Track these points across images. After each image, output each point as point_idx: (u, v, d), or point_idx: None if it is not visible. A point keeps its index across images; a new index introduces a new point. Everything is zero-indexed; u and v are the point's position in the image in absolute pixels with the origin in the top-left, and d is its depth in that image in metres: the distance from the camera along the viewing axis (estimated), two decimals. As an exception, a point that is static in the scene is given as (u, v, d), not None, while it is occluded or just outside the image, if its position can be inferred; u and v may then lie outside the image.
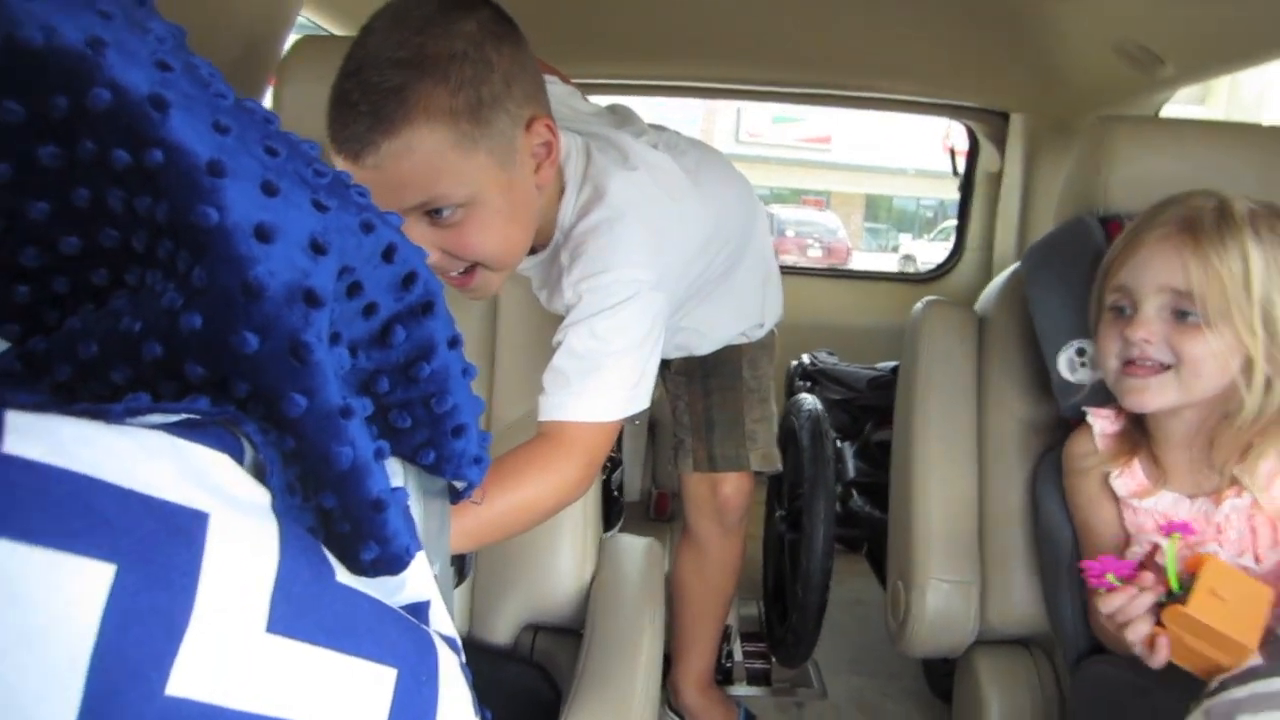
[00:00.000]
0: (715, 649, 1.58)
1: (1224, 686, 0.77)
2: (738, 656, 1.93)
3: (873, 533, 1.86)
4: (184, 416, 0.37)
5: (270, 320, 0.36)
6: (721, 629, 1.58)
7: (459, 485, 0.60)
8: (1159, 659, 0.84)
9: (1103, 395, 1.10)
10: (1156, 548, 0.98)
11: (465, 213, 0.85)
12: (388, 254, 0.43)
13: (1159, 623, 0.85)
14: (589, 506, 1.14)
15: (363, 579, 0.43)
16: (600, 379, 0.91)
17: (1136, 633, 0.85)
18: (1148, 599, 0.85)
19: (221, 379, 0.38)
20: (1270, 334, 0.92)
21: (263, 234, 0.36)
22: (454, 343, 0.49)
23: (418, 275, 0.45)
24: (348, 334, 0.44)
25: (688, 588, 1.52)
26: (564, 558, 1.12)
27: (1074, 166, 1.28)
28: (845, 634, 2.08)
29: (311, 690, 0.35)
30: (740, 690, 1.85)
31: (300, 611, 0.35)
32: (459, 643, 0.51)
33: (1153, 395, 0.96)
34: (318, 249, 0.38)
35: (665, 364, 1.51)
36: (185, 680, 0.30)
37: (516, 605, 1.11)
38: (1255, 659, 0.79)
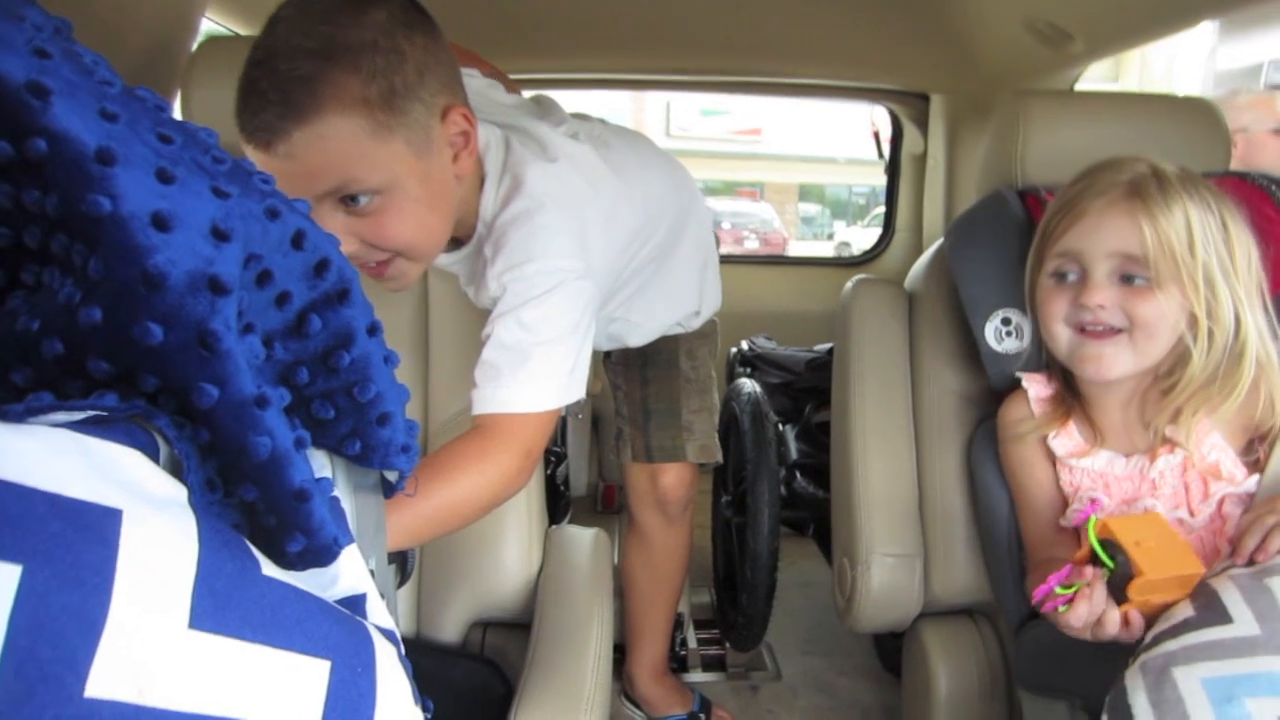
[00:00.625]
0: (667, 637, 1.59)
1: (1158, 641, 0.79)
2: (692, 644, 1.94)
3: (818, 513, 1.88)
4: (91, 414, 0.36)
5: (174, 310, 0.35)
6: (673, 617, 1.59)
7: (391, 477, 0.59)
8: (1137, 631, 0.84)
9: (1031, 363, 1.13)
10: (1096, 503, 1.01)
11: (382, 200, 0.84)
12: (297, 240, 0.42)
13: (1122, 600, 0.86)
14: (533, 500, 1.13)
15: (292, 573, 0.42)
16: (530, 369, 0.91)
17: (1109, 627, 0.85)
18: (1100, 595, 0.85)
19: (128, 373, 0.37)
20: (1211, 291, 0.95)
21: (160, 222, 0.35)
22: (373, 330, 0.48)
23: (330, 262, 0.45)
24: (262, 325, 0.43)
25: (636, 578, 1.53)
26: (509, 552, 1.11)
27: (991, 142, 1.31)
28: (796, 616, 2.10)
29: (240, 686, 0.34)
30: (696, 677, 1.86)
31: (224, 606, 0.34)
32: (397, 635, 0.50)
33: (1110, 363, 0.98)
34: (220, 236, 0.37)
35: (606, 354, 1.51)
36: (104, 681, 0.29)
37: (463, 602, 1.10)
38: (1188, 610, 0.80)
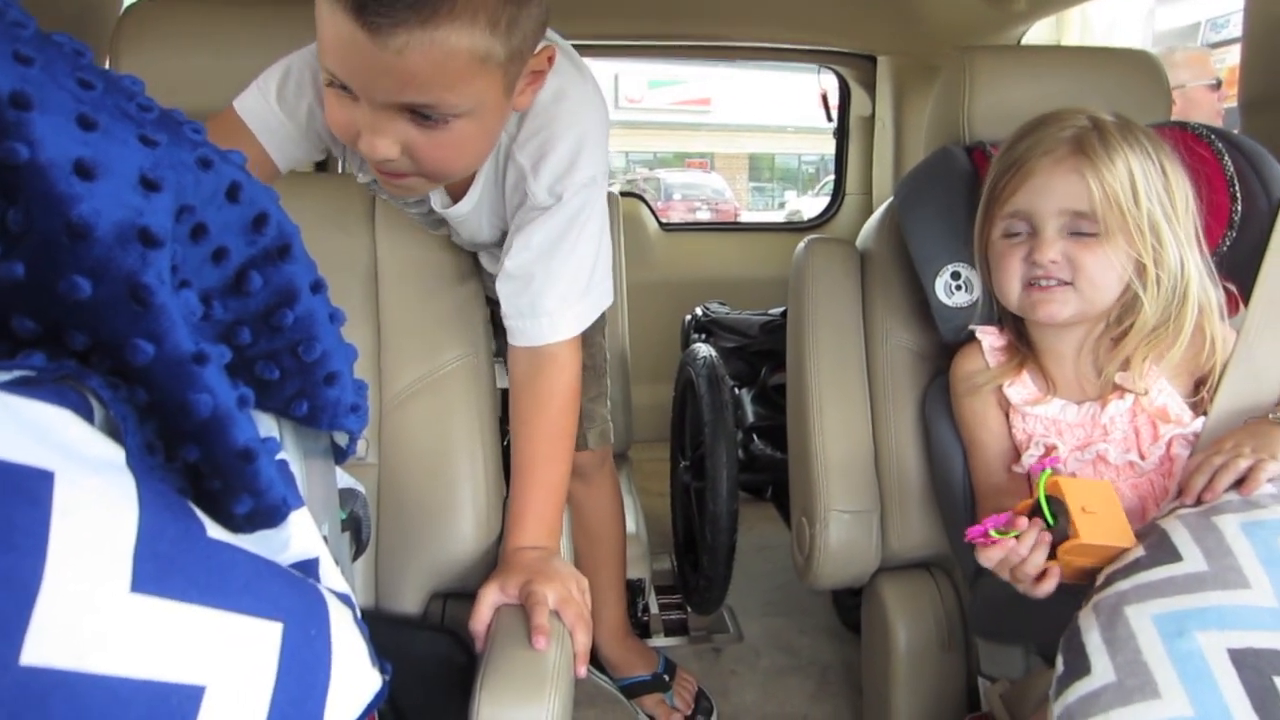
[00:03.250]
0: (622, 598, 1.59)
1: (1110, 581, 0.81)
2: (654, 609, 1.95)
3: (776, 475, 1.89)
4: (17, 374, 0.34)
5: (102, 263, 0.34)
6: (623, 580, 1.58)
7: (341, 441, 0.58)
8: (1045, 589, 0.87)
9: (981, 316, 1.14)
10: (1051, 449, 1.03)
11: (455, 124, 0.81)
12: (232, 193, 0.41)
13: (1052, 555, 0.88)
14: (489, 468, 1.12)
15: (242, 536, 0.41)
16: (597, 278, 0.99)
17: (1028, 573, 0.87)
18: (1029, 541, 0.87)
19: (56, 331, 0.35)
20: (1156, 237, 0.97)
21: (84, 170, 0.33)
22: (317, 286, 0.47)
23: (269, 216, 0.43)
24: (199, 282, 0.42)
25: (575, 547, 1.52)
26: (466, 522, 1.10)
27: (938, 98, 1.32)
28: (757, 578, 2.12)
29: (188, 649, 0.33)
30: (658, 642, 1.87)
31: (168, 569, 0.33)
32: (353, 598, 0.50)
33: (1060, 306, 0.99)
34: (149, 185, 0.35)
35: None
36: (42, 648, 0.28)
37: (422, 573, 1.09)
38: (1139, 551, 0.82)
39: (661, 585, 2.06)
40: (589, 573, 1.52)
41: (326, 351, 0.48)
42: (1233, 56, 1.50)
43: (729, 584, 1.76)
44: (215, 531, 0.37)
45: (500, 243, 1.05)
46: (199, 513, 0.37)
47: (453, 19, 0.73)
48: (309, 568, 0.46)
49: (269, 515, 0.41)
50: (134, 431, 0.37)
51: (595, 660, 1.65)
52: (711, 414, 1.71)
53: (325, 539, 0.54)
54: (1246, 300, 1.05)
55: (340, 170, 1.28)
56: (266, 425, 0.48)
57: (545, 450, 1.00)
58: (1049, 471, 0.91)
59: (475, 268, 1.20)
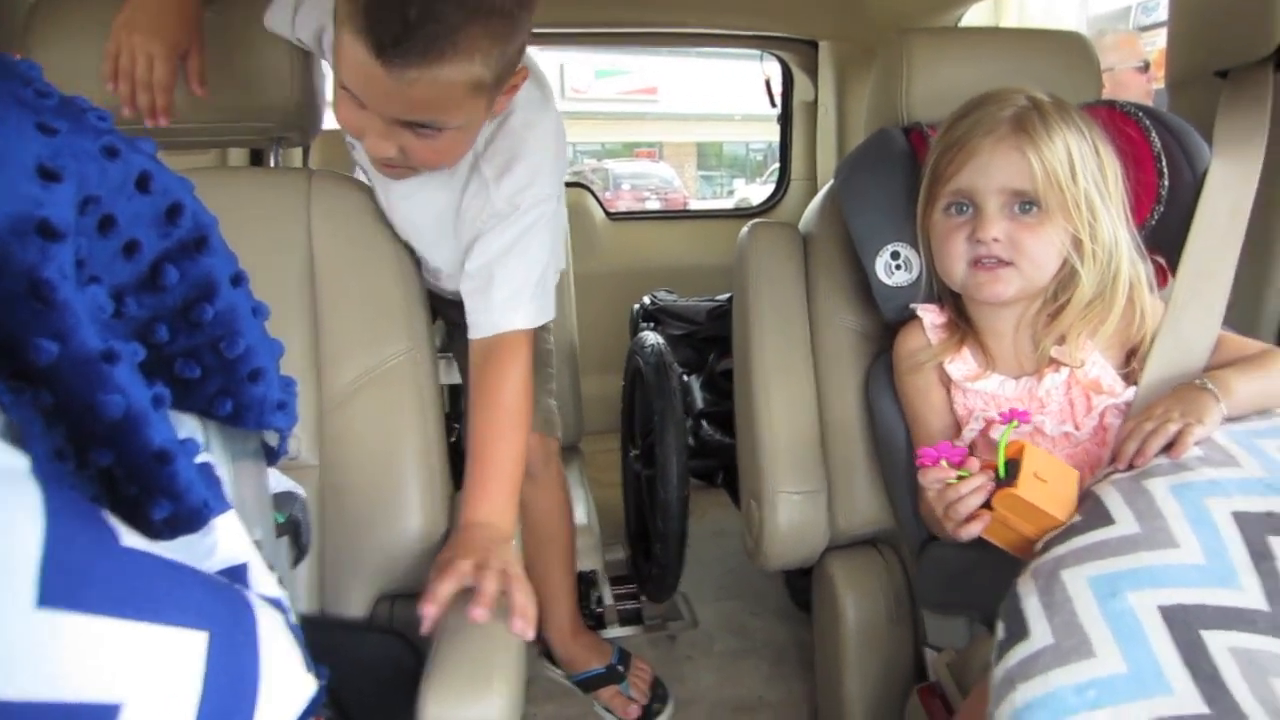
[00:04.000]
0: (573, 594, 1.58)
1: (1047, 547, 0.82)
2: (608, 600, 1.95)
3: (726, 460, 1.90)
4: (-92, 379, 0.33)
5: (-1, 257, 0.32)
6: (572, 577, 1.58)
7: (271, 441, 0.57)
8: (968, 532, 0.89)
9: (920, 295, 1.15)
10: (990, 424, 1.04)
11: (444, 134, 0.96)
12: (142, 183, 0.39)
13: (986, 505, 0.90)
14: (435, 466, 1.11)
15: (163, 544, 0.39)
16: (545, 284, 1.12)
17: (960, 511, 0.89)
18: (972, 485, 0.90)
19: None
20: (1092, 214, 0.99)
21: (-26, 161, 0.32)
22: (238, 280, 0.45)
23: (183, 206, 0.42)
24: (110, 278, 0.40)
25: (523, 545, 1.51)
26: (413, 522, 1.08)
27: (876, 81, 1.33)
28: (710, 564, 2.14)
29: (105, 666, 0.32)
30: (613, 632, 1.87)
31: (79, 582, 0.32)
32: (285, 602, 0.48)
33: (1004, 284, 1.01)
34: (48, 175, 0.34)
35: (447, 346, 1.51)
36: (-61, 671, 0.27)
37: (368, 575, 1.08)
38: (1074, 517, 0.84)
39: (616, 575, 2.07)
40: (539, 574, 1.53)
41: (250, 347, 0.46)
42: (1162, 39, 1.53)
43: (682, 571, 1.76)
44: (131, 539, 0.36)
45: (432, 229, 1.16)
46: (113, 520, 0.36)
47: (455, 59, 0.87)
48: (238, 573, 0.45)
49: (190, 520, 0.40)
50: (39, 437, 0.36)
51: (550, 657, 1.64)
52: (660, 401, 1.71)
53: (258, 543, 0.53)
54: (1174, 272, 1.08)
55: (274, 163, 1.25)
56: (188, 426, 0.47)
57: (497, 430, 1.06)
58: (1015, 424, 0.93)
59: (416, 263, 1.18)
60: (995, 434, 0.99)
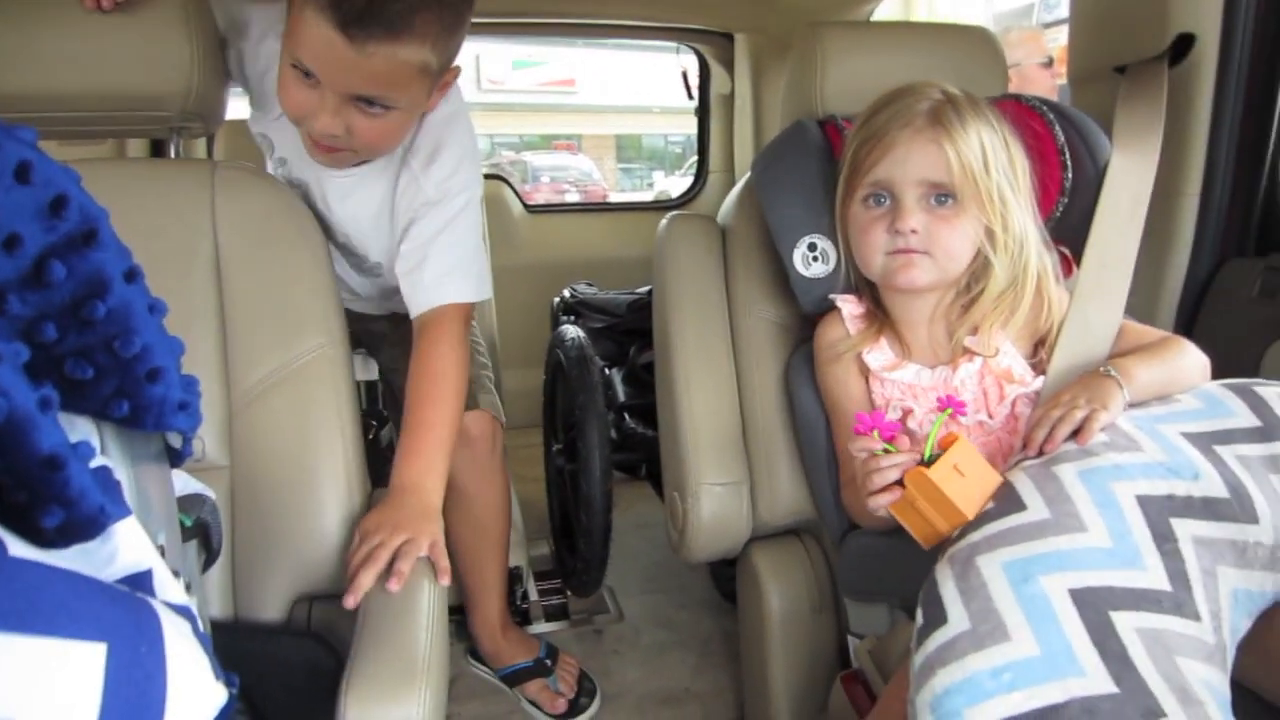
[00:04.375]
0: (502, 592, 1.57)
1: (963, 534, 0.84)
2: (533, 596, 1.94)
3: (649, 453, 1.91)
4: None
5: None
6: (505, 571, 1.57)
7: (175, 443, 0.54)
8: (878, 502, 0.90)
9: (837, 286, 1.16)
10: (908, 413, 1.06)
11: (389, 114, 1.05)
12: (21, 173, 0.37)
13: (900, 483, 0.91)
14: (352, 463, 1.08)
15: (57, 553, 0.37)
16: (481, 263, 1.21)
17: (875, 481, 0.90)
18: (900, 458, 0.90)
19: None
20: (1004, 205, 1.02)
21: None
22: (132, 275, 0.43)
23: (69, 198, 0.39)
24: (-11, 275, 0.38)
25: (460, 538, 1.49)
26: (330, 521, 1.05)
27: (791, 74, 1.34)
28: (635, 558, 2.14)
29: None
30: (540, 628, 1.86)
31: None
32: (193, 609, 0.46)
33: (920, 273, 1.03)
34: (-86, 165, 0.31)
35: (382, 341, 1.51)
36: None
37: (284, 577, 1.05)
38: (988, 504, 0.86)
39: (540, 571, 2.05)
40: (472, 567, 1.51)
41: (147, 346, 0.44)
42: (1064, 36, 1.59)
43: (607, 564, 1.76)
44: (19, 549, 0.34)
45: (371, 223, 1.25)
46: (0, 532, 0.34)
47: (410, 39, 0.99)
48: (141, 581, 0.43)
49: (85, 527, 0.38)
50: (-85, 444, 0.33)
51: (475, 654, 1.63)
52: (582, 395, 1.70)
53: (162, 549, 0.51)
54: (1079, 263, 1.11)
55: (174, 154, 1.20)
56: (81, 429, 0.44)
57: (430, 394, 1.13)
58: (950, 410, 0.95)
59: (328, 256, 1.15)
60: (928, 423, 1.01)
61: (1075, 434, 0.88)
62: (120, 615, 0.37)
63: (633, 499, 2.26)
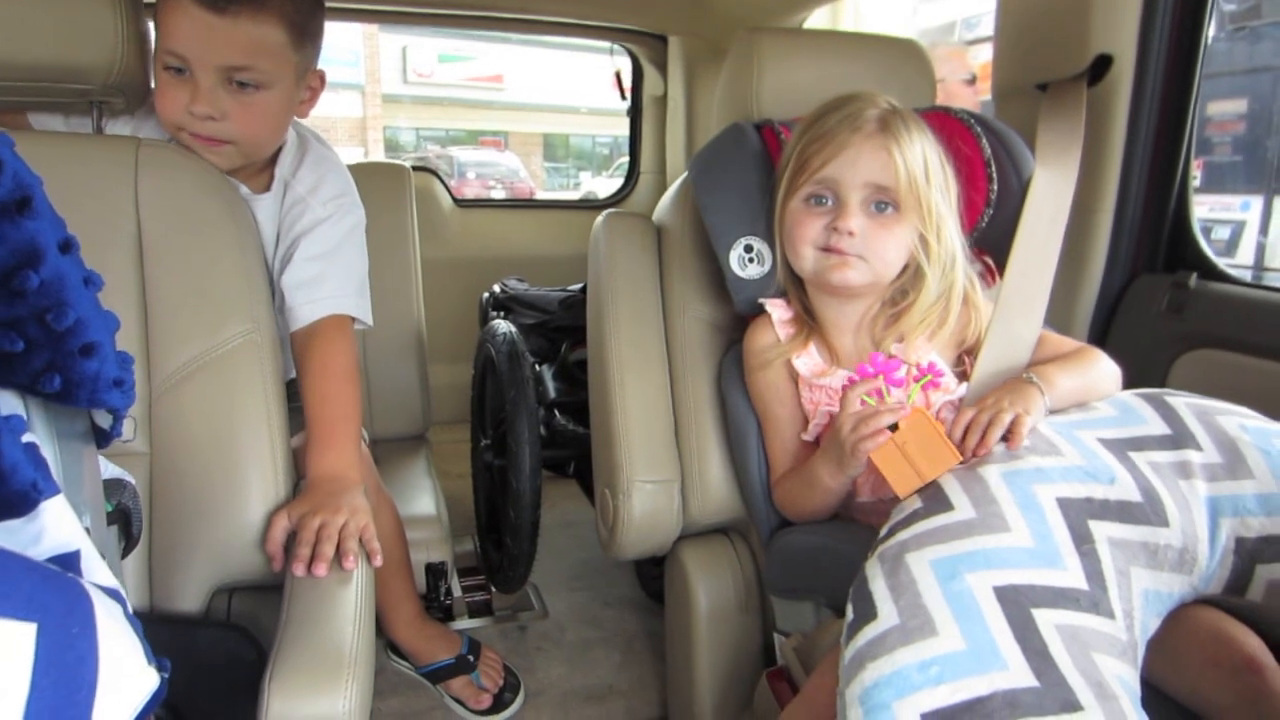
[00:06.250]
0: (413, 592, 1.54)
1: (892, 532, 0.86)
2: (457, 592, 1.92)
3: (578, 451, 1.90)
4: None
5: None
6: (410, 570, 1.54)
7: (103, 422, 0.52)
8: (871, 445, 0.94)
9: (770, 288, 1.18)
10: (832, 419, 1.08)
11: (258, 94, 1.12)
12: (-45, 136, 0.35)
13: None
14: (277, 452, 1.05)
15: None
16: (364, 278, 1.27)
17: (870, 425, 0.95)
18: (896, 406, 0.96)
19: None
20: (939, 217, 1.05)
21: None
22: (67, 246, 0.41)
23: (3, 164, 0.38)
24: (-83, 240, 0.36)
25: None
26: (253, 511, 1.03)
27: (727, 78, 1.35)
28: (560, 555, 2.13)
29: None
30: (463, 624, 1.84)
31: None
32: (123, 593, 0.45)
33: (854, 273, 1.05)
34: None
35: None
36: None
37: (204, 567, 1.01)
38: (916, 503, 0.88)
39: (464, 567, 2.03)
40: (382, 584, 1.47)
41: (81, 320, 0.42)
42: (985, 54, 1.64)
43: (534, 561, 1.75)
44: (-53, 524, 0.32)
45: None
46: (-75, 504, 0.32)
47: (266, 12, 1.07)
48: (69, 561, 0.41)
49: (15, 503, 0.36)
50: None
51: (397, 650, 1.60)
52: (513, 390, 1.69)
53: (87, 530, 0.49)
54: (1001, 273, 1.15)
55: (95, 129, 1.15)
56: (9, 403, 0.42)
57: (334, 388, 1.16)
58: (928, 379, 0.99)
59: (257, 240, 1.12)
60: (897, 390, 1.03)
61: (1005, 438, 0.91)
62: (51, 595, 0.36)
63: (558, 496, 2.26)
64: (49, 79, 1.04)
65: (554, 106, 18.25)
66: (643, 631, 1.83)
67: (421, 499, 1.64)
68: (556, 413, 1.93)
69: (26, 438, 0.41)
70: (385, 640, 1.60)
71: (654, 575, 1.84)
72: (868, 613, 0.78)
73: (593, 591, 1.99)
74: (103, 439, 0.54)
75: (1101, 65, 1.34)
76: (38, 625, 0.33)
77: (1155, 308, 1.39)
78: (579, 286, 2.04)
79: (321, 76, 1.23)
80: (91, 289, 0.43)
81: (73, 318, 0.42)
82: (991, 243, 1.20)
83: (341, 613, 0.90)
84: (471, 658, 1.58)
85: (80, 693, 0.35)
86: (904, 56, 1.38)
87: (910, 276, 1.08)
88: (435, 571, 1.59)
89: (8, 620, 0.32)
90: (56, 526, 0.40)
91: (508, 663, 1.64)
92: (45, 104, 1.13)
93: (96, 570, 0.44)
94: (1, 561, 0.34)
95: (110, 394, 0.45)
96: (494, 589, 1.94)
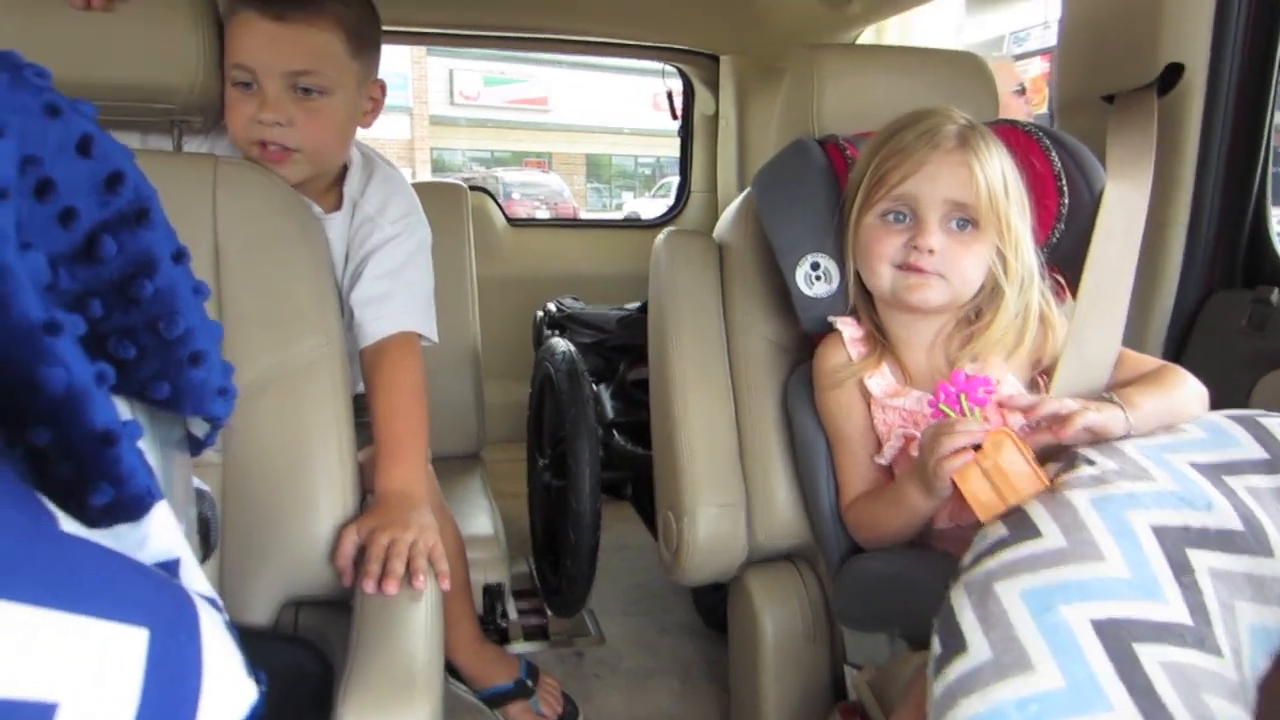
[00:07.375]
0: (473, 612, 1.54)
1: (978, 561, 0.82)
2: (513, 615, 1.91)
3: (636, 472, 1.89)
4: None
5: (-70, 214, 0.28)
6: (469, 590, 1.54)
7: (198, 432, 0.52)
8: (951, 465, 0.90)
9: (838, 306, 1.16)
10: (910, 440, 1.05)
11: (324, 101, 1.14)
12: (83, 147, 0.35)
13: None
14: (346, 466, 1.05)
15: (97, 531, 0.35)
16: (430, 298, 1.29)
17: (952, 443, 0.91)
18: (979, 425, 0.92)
19: None
20: (1017, 234, 1.03)
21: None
22: (180, 256, 0.41)
23: (124, 175, 0.38)
24: (44, 246, 0.36)
25: None
26: (322, 524, 1.02)
27: (787, 94, 1.34)
28: (616, 579, 2.11)
29: (37, 660, 0.28)
30: (519, 648, 1.83)
31: (11, 567, 0.28)
32: (220, 602, 0.44)
33: (933, 292, 1.03)
34: (-12, 127, 0.30)
35: None
36: None
37: (273, 580, 1.01)
38: (1001, 530, 0.85)
39: (519, 589, 2.02)
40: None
41: (190, 328, 0.42)
42: (1033, 68, 1.61)
43: (592, 583, 1.73)
44: (69, 525, 0.32)
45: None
46: (50, 505, 0.32)
47: (321, 18, 1.11)
48: (170, 569, 0.41)
49: (131, 507, 0.36)
50: (-35, 414, 0.31)
51: (455, 673, 1.59)
52: (573, 409, 1.68)
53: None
54: (1073, 290, 1.12)
55: (175, 147, 1.17)
56: (122, 410, 0.42)
57: (403, 406, 1.17)
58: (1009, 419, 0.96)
59: (329, 256, 1.14)
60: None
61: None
62: (162, 601, 0.35)
63: (613, 519, 2.23)
64: (134, 99, 1.06)
65: (597, 128, 18.43)
66: (701, 659, 1.80)
67: (478, 518, 1.63)
68: (615, 433, 1.92)
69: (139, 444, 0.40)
70: (444, 662, 1.59)
71: (712, 603, 1.81)
72: (957, 645, 0.74)
73: (649, 617, 1.96)
74: (195, 447, 0.54)
75: (1172, 74, 1.31)
76: (149, 632, 0.33)
77: (1234, 325, 1.34)
78: (636, 305, 2.03)
79: (382, 86, 1.25)
80: (199, 298, 0.43)
81: (183, 326, 0.42)
82: (1062, 259, 1.17)
83: (413, 631, 0.89)
84: (530, 683, 1.56)
85: (186, 702, 0.35)
86: (965, 70, 1.36)
87: (986, 294, 1.06)
88: (492, 593, 1.58)
89: (123, 625, 0.32)
90: (160, 533, 0.40)
91: (565, 689, 1.63)
92: (125, 122, 1.16)
93: (195, 578, 0.43)
94: (117, 564, 0.33)
95: (215, 402, 0.45)
96: (550, 612, 1.93)
